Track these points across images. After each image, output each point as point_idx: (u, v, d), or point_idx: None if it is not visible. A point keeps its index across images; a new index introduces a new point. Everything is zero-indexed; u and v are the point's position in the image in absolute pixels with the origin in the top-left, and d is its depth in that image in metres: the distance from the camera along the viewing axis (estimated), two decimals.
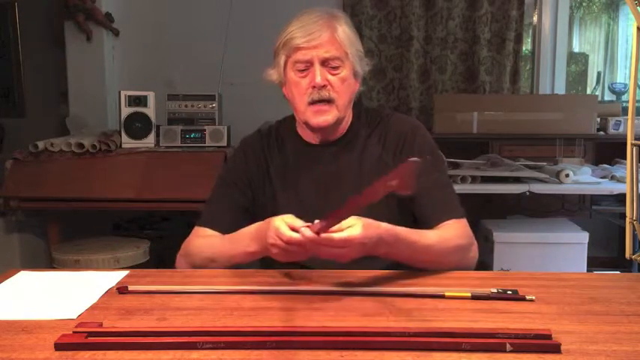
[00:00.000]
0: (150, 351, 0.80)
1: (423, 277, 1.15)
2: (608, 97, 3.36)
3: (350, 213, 1.00)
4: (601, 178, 2.61)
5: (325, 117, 1.29)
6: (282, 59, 1.31)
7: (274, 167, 1.38)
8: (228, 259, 1.23)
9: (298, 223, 1.07)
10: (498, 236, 2.57)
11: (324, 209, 1.30)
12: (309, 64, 1.27)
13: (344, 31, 1.28)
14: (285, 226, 1.06)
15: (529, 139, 2.88)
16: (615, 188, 2.51)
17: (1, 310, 0.97)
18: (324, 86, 1.27)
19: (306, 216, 1.25)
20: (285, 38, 1.28)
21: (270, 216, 1.20)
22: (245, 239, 1.20)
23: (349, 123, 1.38)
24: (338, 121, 1.32)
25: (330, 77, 1.28)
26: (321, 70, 1.27)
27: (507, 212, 2.97)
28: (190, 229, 1.38)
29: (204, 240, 1.30)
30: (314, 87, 1.27)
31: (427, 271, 1.18)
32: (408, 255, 1.16)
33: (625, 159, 1.20)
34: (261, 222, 1.17)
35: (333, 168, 1.34)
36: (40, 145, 2.55)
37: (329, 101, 1.28)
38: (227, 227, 1.29)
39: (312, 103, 1.28)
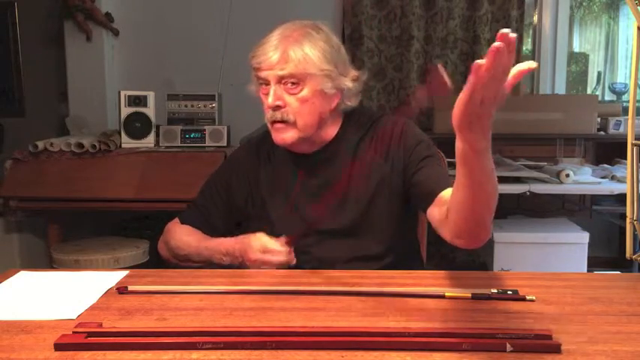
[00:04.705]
0: (150, 351, 0.80)
1: (423, 277, 1.15)
2: (609, 97, 3.36)
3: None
4: (601, 178, 2.60)
5: (283, 136, 1.28)
6: (253, 74, 1.30)
7: (265, 174, 1.39)
8: (202, 260, 1.37)
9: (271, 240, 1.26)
10: (498, 236, 2.57)
11: (315, 216, 1.32)
12: (269, 83, 1.26)
13: (304, 50, 1.23)
14: (268, 239, 1.26)
15: (529, 139, 2.87)
16: (615, 188, 2.51)
17: (1, 310, 0.97)
18: (278, 107, 1.25)
19: (297, 222, 1.27)
20: (250, 55, 1.28)
21: (263, 222, 1.34)
22: (219, 253, 1.33)
23: (337, 130, 1.35)
24: (302, 140, 1.29)
25: (287, 97, 1.25)
26: (278, 90, 1.25)
27: (507, 212, 2.97)
28: None
29: (184, 237, 1.41)
30: (269, 107, 1.27)
31: (428, 269, 1.17)
32: (488, 169, 0.94)
33: (625, 159, 1.20)
34: (236, 240, 1.31)
35: (322, 175, 1.33)
36: (40, 145, 2.55)
37: (286, 122, 1.26)
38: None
39: (272, 121, 1.28)
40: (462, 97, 0.80)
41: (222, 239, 1.35)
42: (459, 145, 0.88)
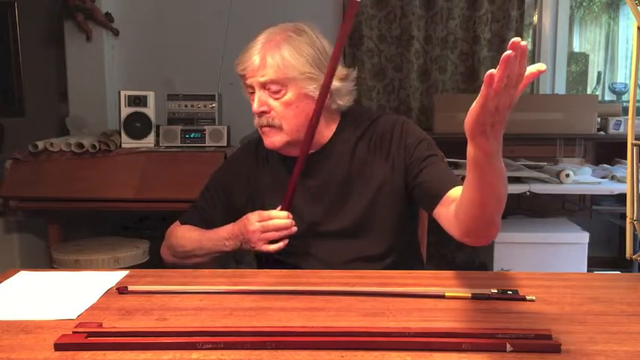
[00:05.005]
0: (150, 351, 0.80)
1: (423, 277, 1.15)
2: (609, 97, 3.36)
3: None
4: (601, 178, 2.61)
5: (272, 139, 1.29)
6: (241, 81, 1.31)
7: (264, 175, 1.39)
8: (206, 254, 1.37)
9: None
10: (498, 236, 2.54)
11: (315, 217, 1.32)
12: (254, 89, 1.27)
13: (283, 55, 1.23)
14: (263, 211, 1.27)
15: (529, 139, 2.87)
16: (615, 188, 2.51)
17: (1, 310, 0.97)
18: (263, 112, 1.27)
19: (296, 223, 1.27)
20: (235, 63, 1.29)
21: None
22: (222, 239, 1.33)
23: (333, 131, 1.35)
24: (290, 143, 1.29)
25: (272, 102, 1.26)
26: (262, 96, 1.26)
27: (507, 212, 2.97)
28: None
29: (185, 233, 1.41)
30: (255, 113, 1.28)
31: (428, 269, 1.17)
32: (500, 169, 0.93)
33: (625, 159, 1.20)
34: (235, 223, 1.31)
35: (320, 177, 1.33)
36: (40, 145, 2.55)
37: (272, 126, 1.27)
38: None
39: (259, 127, 1.30)
40: (475, 106, 0.80)
41: (221, 227, 1.36)
42: (470, 150, 0.88)
